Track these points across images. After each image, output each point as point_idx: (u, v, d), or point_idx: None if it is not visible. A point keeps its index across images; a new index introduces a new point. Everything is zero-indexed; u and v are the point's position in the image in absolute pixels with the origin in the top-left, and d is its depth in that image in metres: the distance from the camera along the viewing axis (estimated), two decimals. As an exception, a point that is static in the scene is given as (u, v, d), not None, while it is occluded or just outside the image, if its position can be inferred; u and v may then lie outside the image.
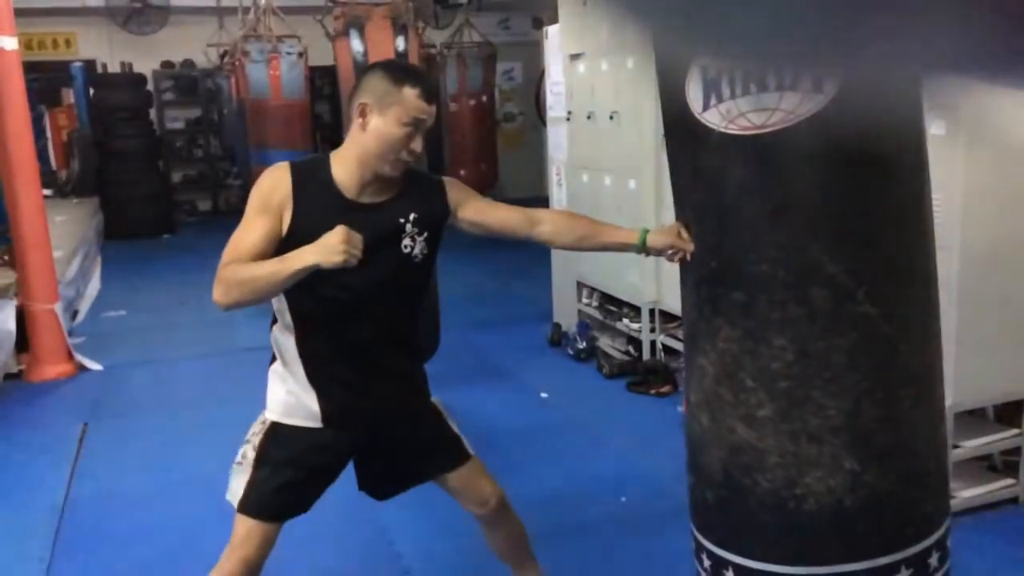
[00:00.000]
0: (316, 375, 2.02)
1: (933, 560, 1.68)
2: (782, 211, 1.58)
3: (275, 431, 2.05)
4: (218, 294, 1.86)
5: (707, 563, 1.78)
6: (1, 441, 4.15)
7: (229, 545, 2.04)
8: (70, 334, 5.47)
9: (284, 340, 2.04)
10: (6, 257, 5.43)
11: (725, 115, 1.57)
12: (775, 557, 1.65)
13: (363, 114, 1.91)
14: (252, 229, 1.91)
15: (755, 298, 1.61)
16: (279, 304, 2.02)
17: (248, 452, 2.06)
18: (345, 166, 1.97)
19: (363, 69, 2.05)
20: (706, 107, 1.60)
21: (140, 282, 7.88)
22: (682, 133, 1.70)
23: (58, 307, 5.22)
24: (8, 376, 4.96)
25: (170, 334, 6.08)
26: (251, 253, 1.88)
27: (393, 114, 1.89)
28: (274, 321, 2.09)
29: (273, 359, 2.11)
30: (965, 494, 3.01)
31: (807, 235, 1.57)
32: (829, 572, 1.62)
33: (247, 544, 2.01)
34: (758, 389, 1.62)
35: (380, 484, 2.25)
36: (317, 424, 2.03)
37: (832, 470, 1.59)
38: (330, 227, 1.80)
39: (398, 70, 1.98)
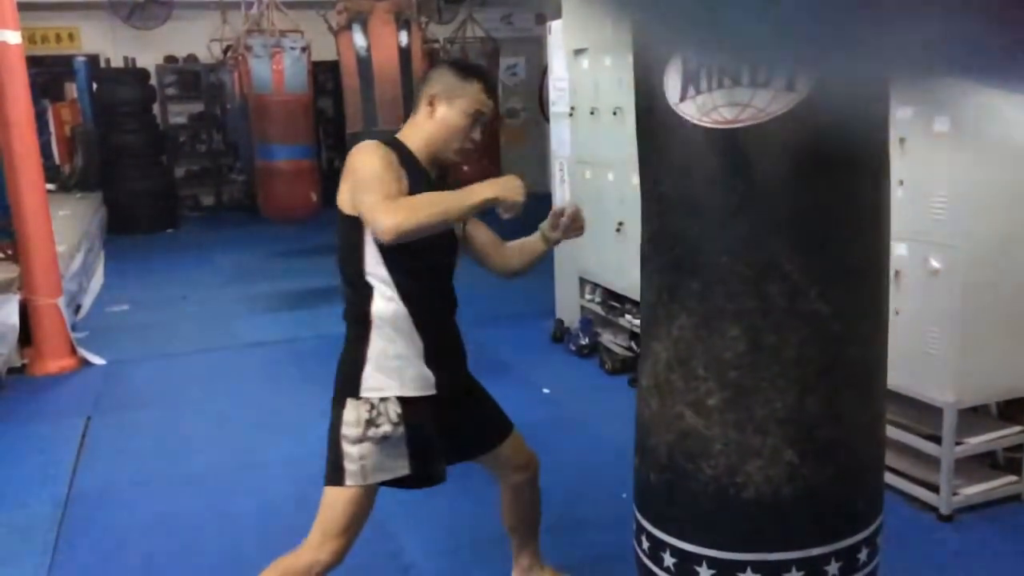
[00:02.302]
0: (428, 344, 2.11)
1: (862, 555, 1.75)
2: (745, 206, 1.62)
3: (406, 404, 2.08)
4: (399, 217, 1.88)
5: (646, 544, 1.83)
6: (4, 434, 4.16)
7: (324, 525, 2.07)
8: (73, 328, 5.48)
9: (395, 315, 2.08)
10: (9, 251, 5.43)
11: (700, 107, 1.61)
12: (712, 541, 1.71)
13: (432, 103, 2.10)
14: (394, 181, 1.99)
15: (712, 288, 1.66)
16: (383, 281, 2.07)
17: (390, 432, 2.05)
18: (416, 148, 2.12)
19: (432, 66, 2.31)
20: (683, 98, 1.64)
21: (143, 277, 7.89)
22: (656, 122, 1.74)
23: (61, 301, 5.22)
24: (11, 370, 4.97)
25: (173, 329, 6.09)
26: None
27: (459, 105, 2.10)
28: (357, 299, 2.10)
29: (357, 340, 2.10)
30: (968, 491, 3.01)
31: (767, 231, 1.62)
32: (763, 559, 1.68)
33: (350, 516, 2.08)
34: (709, 377, 1.67)
35: (453, 450, 2.27)
36: (434, 391, 2.12)
37: (773, 461, 1.65)
38: None
39: (466, 67, 2.21)
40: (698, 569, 1.72)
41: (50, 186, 7.01)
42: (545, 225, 2.32)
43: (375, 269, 2.06)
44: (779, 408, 1.64)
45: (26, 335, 5.08)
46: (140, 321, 6.31)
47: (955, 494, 2.98)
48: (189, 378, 5.05)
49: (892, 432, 3.14)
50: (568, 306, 5.40)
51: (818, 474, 1.67)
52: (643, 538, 1.85)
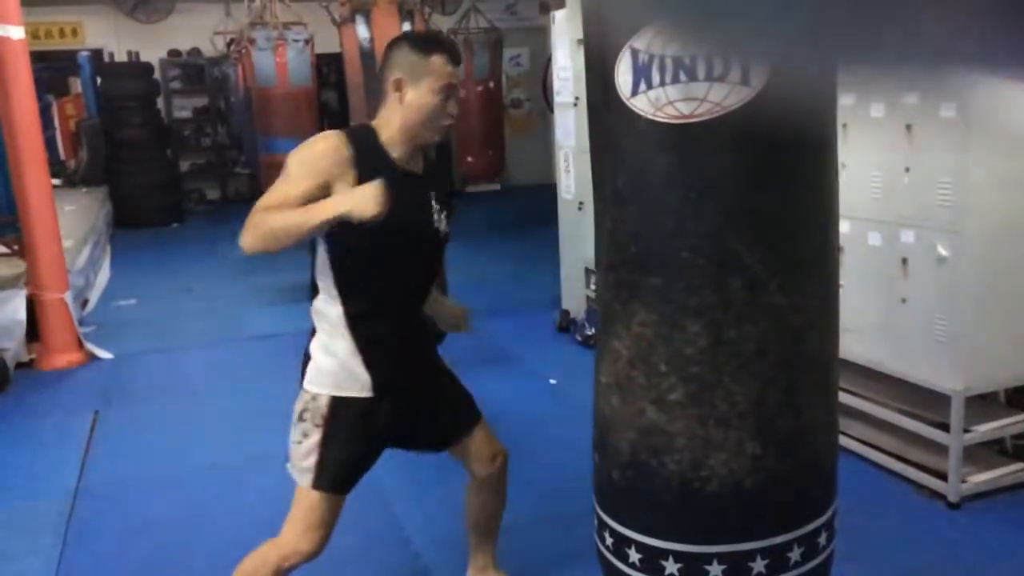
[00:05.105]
0: (364, 345, 2.06)
1: (822, 539, 1.78)
2: (703, 201, 1.62)
3: (334, 405, 2.07)
4: (247, 238, 1.89)
5: (609, 541, 1.84)
6: (13, 429, 4.18)
7: (300, 524, 2.07)
8: (80, 323, 5.49)
9: (331, 312, 2.06)
10: (16, 247, 5.45)
11: (653, 102, 1.60)
12: (677, 535, 1.72)
13: (399, 88, 2.01)
14: (295, 185, 1.92)
15: (673, 284, 1.66)
16: (324, 276, 2.05)
17: (310, 430, 2.06)
18: (391, 137, 2.04)
19: (389, 45, 2.12)
20: (635, 92, 1.63)
21: (149, 271, 7.91)
22: (608, 117, 1.72)
23: (68, 296, 5.23)
24: (19, 365, 4.98)
25: (180, 322, 6.10)
26: (288, 207, 1.91)
27: (427, 84, 2.00)
28: (314, 295, 2.10)
29: (313, 334, 2.12)
30: (976, 478, 3.00)
31: (726, 226, 1.62)
32: (728, 550, 1.70)
33: (327, 521, 2.07)
34: (671, 373, 1.67)
35: (421, 442, 2.30)
36: (369, 394, 2.07)
37: (735, 453, 1.66)
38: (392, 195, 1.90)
39: (423, 41, 2.08)
40: (664, 563, 1.73)
41: (55, 181, 7.01)
42: (435, 314, 2.32)
43: (323, 268, 2.04)
44: (741, 401, 1.65)
45: (33, 330, 5.09)
46: (147, 315, 6.32)
47: (963, 482, 2.97)
48: (196, 371, 5.06)
49: (900, 420, 3.13)
50: (574, 296, 5.40)
51: (780, 464, 1.69)
52: (606, 535, 1.85)
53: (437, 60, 2.00)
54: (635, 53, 1.60)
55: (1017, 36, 0.42)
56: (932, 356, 2.96)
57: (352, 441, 2.08)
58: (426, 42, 2.06)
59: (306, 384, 2.09)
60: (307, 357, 2.11)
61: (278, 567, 2.08)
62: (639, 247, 1.70)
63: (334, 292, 2.05)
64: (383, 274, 2.06)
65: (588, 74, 1.81)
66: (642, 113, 1.61)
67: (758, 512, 1.70)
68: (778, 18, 0.44)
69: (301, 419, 2.07)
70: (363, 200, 1.82)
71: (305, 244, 2.03)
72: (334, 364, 2.06)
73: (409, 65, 2.00)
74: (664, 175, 1.65)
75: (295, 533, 2.07)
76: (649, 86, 1.60)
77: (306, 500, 2.07)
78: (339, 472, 2.07)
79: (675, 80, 1.57)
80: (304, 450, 2.06)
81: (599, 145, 1.80)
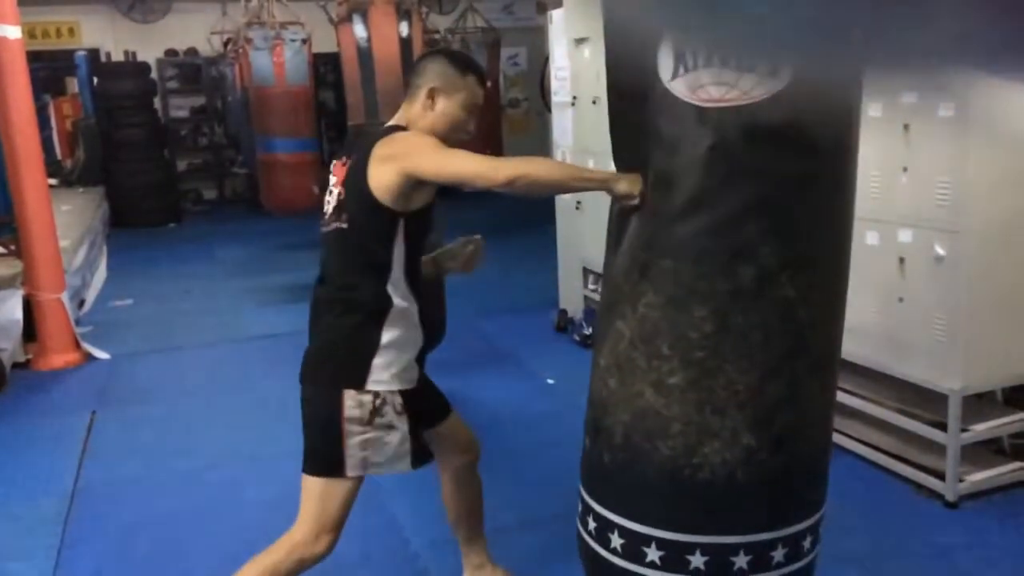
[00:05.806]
0: (424, 338, 2.17)
1: (807, 543, 1.76)
2: (725, 187, 1.63)
3: (405, 397, 2.12)
4: (518, 169, 1.91)
5: (592, 525, 1.83)
6: (10, 430, 4.17)
7: (316, 526, 2.09)
8: (77, 323, 5.48)
9: (408, 308, 2.12)
10: (12, 247, 5.44)
11: (690, 85, 1.62)
12: (662, 523, 1.71)
13: (431, 97, 2.12)
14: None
15: (685, 267, 1.66)
16: (404, 274, 2.09)
17: (395, 422, 2.09)
18: None
19: (425, 55, 2.27)
20: (674, 76, 1.64)
21: (146, 271, 7.90)
22: (644, 99, 1.72)
23: (65, 296, 5.23)
24: (16, 365, 4.97)
25: (177, 323, 6.09)
26: None
27: (459, 99, 2.13)
28: (381, 299, 2.08)
29: (369, 329, 2.08)
30: (973, 478, 3.00)
31: (745, 214, 1.62)
32: (712, 541, 1.69)
33: (342, 520, 2.13)
34: (673, 357, 1.67)
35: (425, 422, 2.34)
36: (416, 385, 2.16)
37: (730, 443, 1.65)
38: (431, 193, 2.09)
39: (460, 59, 2.21)
40: (646, 550, 1.72)
41: (52, 181, 7.01)
42: (445, 254, 2.40)
43: (400, 260, 2.07)
44: (741, 390, 1.64)
45: (30, 330, 5.08)
46: (144, 315, 6.32)
47: (961, 481, 2.97)
48: (194, 372, 5.05)
49: (898, 419, 3.14)
50: (572, 296, 5.40)
51: (773, 459, 1.68)
52: (589, 519, 1.84)
53: (472, 80, 2.15)
54: (676, 38, 1.62)
55: (1017, 36, 0.42)
56: (929, 355, 2.96)
57: (418, 430, 2.17)
58: (463, 62, 2.19)
59: (374, 386, 2.07)
60: (357, 352, 2.07)
61: (298, 571, 2.10)
62: (656, 228, 1.70)
63: (408, 288, 2.12)
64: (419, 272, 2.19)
65: (619, 59, 1.80)
66: (680, 95, 1.63)
67: (746, 506, 1.69)
68: (798, 22, 0.44)
69: (379, 415, 2.07)
70: (632, 184, 1.79)
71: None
72: (404, 360, 2.11)
73: (446, 78, 2.12)
74: (691, 158, 1.65)
75: (310, 535, 2.09)
76: (686, 69, 1.62)
77: (331, 496, 2.09)
78: (421, 446, 2.17)
79: (708, 63, 1.59)
80: (396, 441, 2.10)
81: (630, 127, 1.80)
